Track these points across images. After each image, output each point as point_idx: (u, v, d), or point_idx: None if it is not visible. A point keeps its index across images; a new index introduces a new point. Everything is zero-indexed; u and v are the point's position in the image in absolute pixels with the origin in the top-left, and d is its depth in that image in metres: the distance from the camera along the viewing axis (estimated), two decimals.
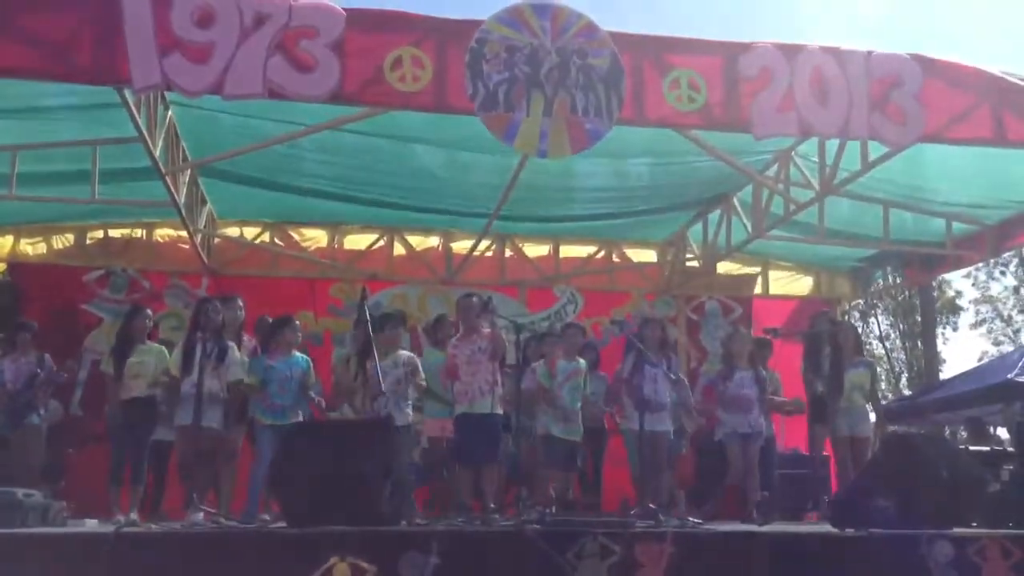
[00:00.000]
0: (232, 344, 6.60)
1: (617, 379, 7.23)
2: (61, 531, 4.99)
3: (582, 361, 7.34)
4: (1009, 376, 10.92)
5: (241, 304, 7.11)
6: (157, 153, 6.82)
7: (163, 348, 6.93)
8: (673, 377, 7.10)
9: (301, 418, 6.78)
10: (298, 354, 6.93)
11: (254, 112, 6.76)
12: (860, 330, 27.47)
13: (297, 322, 7.10)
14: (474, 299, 6.71)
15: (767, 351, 8.01)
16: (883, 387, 27.79)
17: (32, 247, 9.32)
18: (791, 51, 6.07)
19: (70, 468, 7.94)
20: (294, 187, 8.63)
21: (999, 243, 9.15)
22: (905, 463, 5.17)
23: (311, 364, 6.96)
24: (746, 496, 7.10)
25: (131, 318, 7.01)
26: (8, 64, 5.36)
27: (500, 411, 6.53)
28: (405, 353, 6.76)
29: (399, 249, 10.01)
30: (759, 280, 10.80)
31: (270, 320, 7.27)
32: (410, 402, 6.66)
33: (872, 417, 7.50)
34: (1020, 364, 11.22)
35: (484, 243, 9.78)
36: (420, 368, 6.71)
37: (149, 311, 7.24)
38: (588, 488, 8.00)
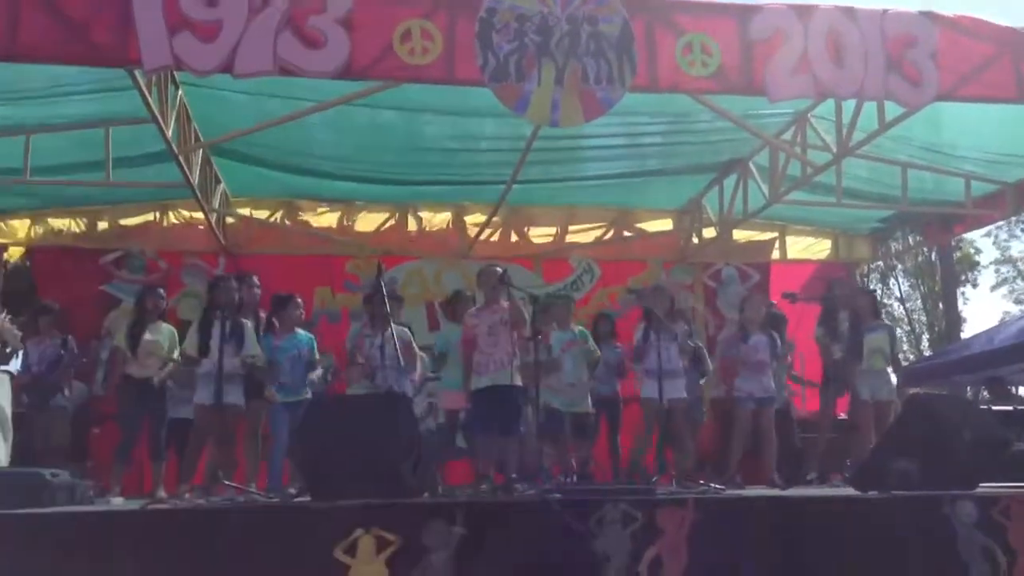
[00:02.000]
0: (247, 322, 6.64)
1: (631, 349, 7.27)
2: (89, 509, 5.06)
3: (578, 328, 7.35)
4: None
5: (257, 282, 7.17)
6: (169, 134, 6.82)
7: (173, 330, 6.99)
8: (691, 344, 7.10)
9: (309, 395, 6.90)
10: (301, 331, 7.08)
11: (264, 90, 6.75)
12: (880, 292, 27.55)
13: (299, 299, 7.17)
14: (497, 270, 6.72)
15: (782, 319, 8.00)
16: (904, 349, 27.67)
17: (49, 231, 9.36)
18: (804, 11, 5.98)
19: (95, 447, 8.04)
20: (306, 165, 8.62)
21: (1020, 201, 9.04)
22: (927, 425, 5.16)
23: (314, 341, 7.10)
24: (763, 461, 7.11)
25: (143, 297, 7.08)
26: (32, 41, 5.29)
27: (520, 383, 6.55)
28: (397, 327, 6.75)
29: (412, 225, 9.99)
30: (777, 245, 10.73)
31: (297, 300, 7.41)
32: (407, 376, 6.69)
33: (893, 380, 7.48)
34: None
35: (497, 217, 9.73)
36: (413, 342, 6.80)
37: (161, 290, 7.31)
38: (606, 456, 8.03)
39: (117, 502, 6.07)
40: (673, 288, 10.14)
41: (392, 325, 6.55)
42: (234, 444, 6.58)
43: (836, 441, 7.69)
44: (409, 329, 7.19)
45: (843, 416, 7.88)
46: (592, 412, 7.39)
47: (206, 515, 4.51)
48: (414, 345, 6.87)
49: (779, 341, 7.40)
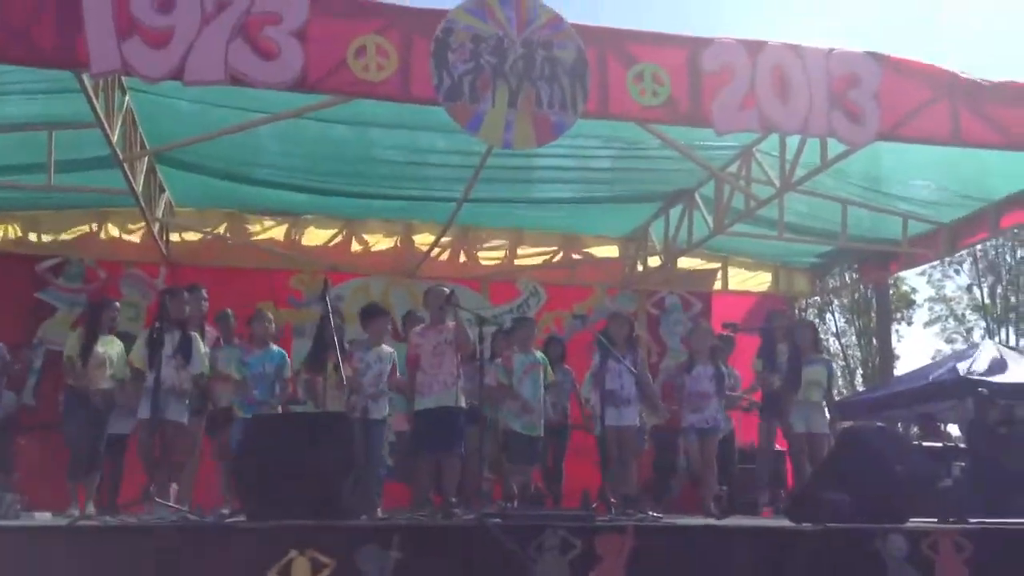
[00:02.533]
0: (196, 336, 6.52)
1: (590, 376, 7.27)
2: (14, 524, 4.89)
3: (538, 353, 7.36)
4: (961, 374, 11.14)
5: (205, 295, 7.07)
6: (115, 139, 6.68)
7: (120, 343, 6.82)
8: (635, 372, 7.15)
9: (279, 411, 6.83)
10: (274, 347, 7.03)
11: (213, 99, 6.65)
12: (817, 327, 28.00)
13: (267, 313, 7.16)
14: (444, 290, 6.70)
15: (729, 347, 8.08)
16: (839, 384, 28.19)
17: None
18: (754, 47, 6.12)
19: (22, 460, 7.78)
20: (253, 176, 8.51)
21: (954, 241, 9.30)
22: (859, 457, 5.24)
23: (287, 358, 7.03)
24: (704, 491, 7.16)
25: (100, 309, 6.90)
26: None
27: (464, 404, 6.51)
28: (387, 348, 6.77)
29: (360, 242, 9.92)
30: (719, 276, 10.89)
31: (230, 313, 7.26)
32: (387, 397, 6.66)
33: (827, 414, 7.58)
34: (972, 362, 11.44)
35: (446, 237, 9.71)
36: (398, 364, 6.74)
37: (117, 303, 7.15)
38: (551, 482, 8.03)
39: (44, 517, 5.86)
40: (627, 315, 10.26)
41: (384, 346, 6.58)
42: (174, 461, 6.39)
43: (774, 472, 7.79)
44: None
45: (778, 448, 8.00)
46: (542, 437, 7.35)
47: (136, 533, 4.38)
48: (398, 369, 6.80)
49: (725, 371, 7.46)
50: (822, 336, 28.03)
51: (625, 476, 7.06)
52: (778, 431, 7.69)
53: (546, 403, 7.44)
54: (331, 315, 6.11)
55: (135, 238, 9.28)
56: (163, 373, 5.88)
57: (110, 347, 6.74)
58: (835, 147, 6.84)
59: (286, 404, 7.08)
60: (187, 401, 6.42)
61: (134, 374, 6.46)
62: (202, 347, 6.55)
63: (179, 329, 6.27)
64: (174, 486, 6.36)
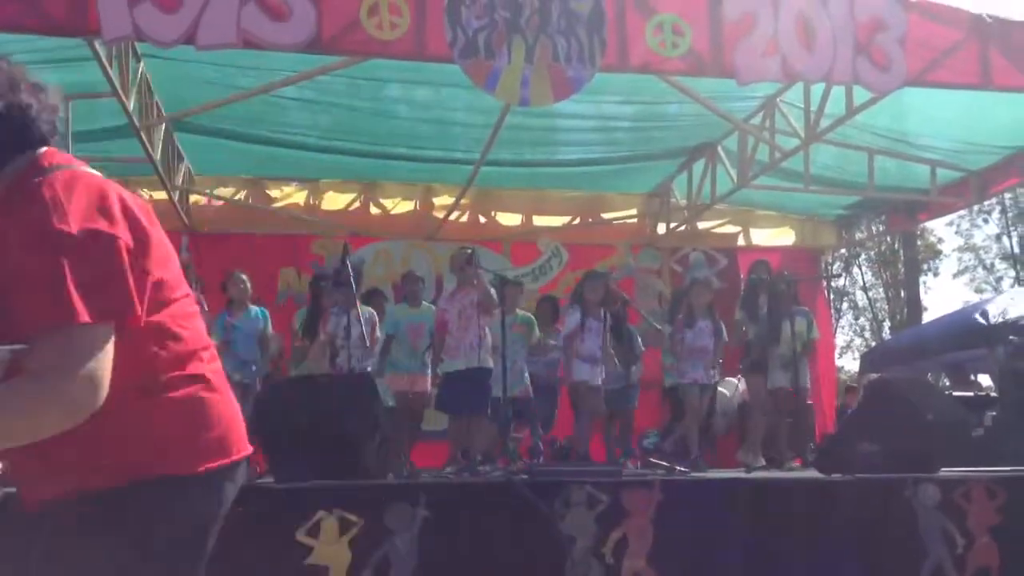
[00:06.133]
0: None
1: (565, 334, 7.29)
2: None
3: (521, 313, 7.34)
4: (991, 322, 10.96)
5: (245, 278, 7.13)
6: (131, 108, 6.66)
7: None
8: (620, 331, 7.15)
9: (266, 372, 6.92)
10: (254, 308, 7.12)
11: (228, 63, 6.61)
12: (843, 279, 27.78)
13: (240, 275, 7.16)
14: (466, 251, 6.67)
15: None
16: (867, 336, 28.04)
17: None
18: None
19: None
20: (272, 139, 8.45)
21: (983, 189, 9.14)
22: (890, 408, 5.19)
23: (267, 315, 7.13)
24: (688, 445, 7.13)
25: None
26: None
27: (491, 365, 6.50)
28: (367, 309, 6.78)
29: (379, 206, 9.88)
30: (744, 230, 10.76)
31: (239, 276, 7.39)
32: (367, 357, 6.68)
33: (807, 367, 7.46)
34: (1003, 310, 11.25)
35: (465, 199, 9.64)
36: (378, 326, 6.78)
37: None
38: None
39: None
40: (640, 273, 10.19)
41: (359, 305, 6.51)
42: None
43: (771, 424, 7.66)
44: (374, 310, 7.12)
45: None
46: (531, 397, 7.30)
47: None
48: (378, 328, 6.81)
49: (722, 326, 7.36)
50: (850, 290, 27.94)
51: (582, 433, 7.08)
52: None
53: (541, 363, 7.45)
54: (352, 279, 6.11)
55: (155, 207, 9.23)
56: None
57: None
58: (860, 95, 6.71)
59: (276, 363, 7.17)
60: None
61: None
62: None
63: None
64: None
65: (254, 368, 6.87)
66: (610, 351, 7.05)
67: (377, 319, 6.89)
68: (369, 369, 6.61)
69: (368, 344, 6.40)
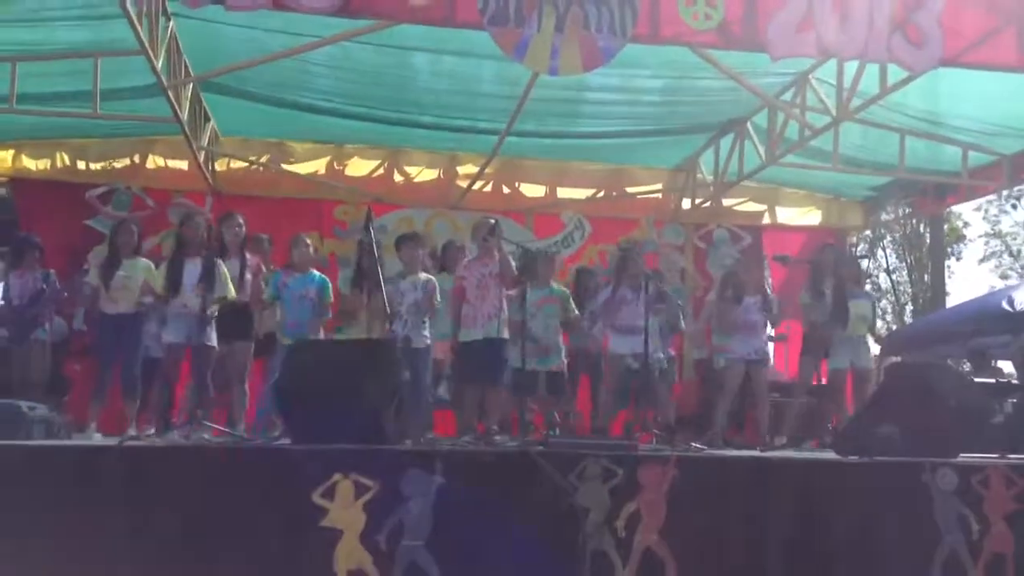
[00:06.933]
0: (219, 260, 6.46)
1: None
2: (66, 443, 5.01)
3: (555, 286, 7.28)
4: (1015, 308, 10.82)
5: (241, 221, 7.03)
6: (159, 67, 6.65)
7: (150, 264, 6.84)
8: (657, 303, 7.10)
9: (321, 336, 6.91)
10: (315, 272, 7.09)
11: (257, 24, 6.57)
12: (867, 262, 27.47)
13: (305, 238, 7.18)
14: (489, 221, 6.65)
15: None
16: (888, 320, 27.82)
17: (34, 163, 9.18)
18: None
19: (73, 383, 7.98)
20: (299, 103, 8.43)
21: (1016, 173, 8.98)
22: (911, 391, 5.15)
23: (328, 283, 7.09)
24: (757, 422, 7.16)
25: (116, 232, 6.94)
26: None
27: (507, 335, 6.50)
28: (424, 275, 6.75)
29: (403, 173, 9.85)
30: (770, 208, 10.66)
31: (264, 238, 7.38)
32: (427, 323, 6.65)
33: (873, 349, 7.51)
34: None
35: (489, 169, 9.59)
36: (437, 291, 6.69)
37: (135, 225, 7.14)
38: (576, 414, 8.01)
39: (96, 438, 6.02)
40: (664, 248, 10.13)
41: (421, 273, 6.59)
42: (205, 384, 6.44)
43: (810, 406, 7.67)
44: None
45: (824, 382, 7.87)
46: (564, 371, 7.27)
47: (183, 453, 4.47)
48: (437, 296, 6.73)
49: (774, 302, 7.38)
50: (873, 272, 27.66)
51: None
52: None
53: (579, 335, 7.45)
54: (374, 245, 6.09)
55: (182, 166, 9.30)
56: (186, 298, 6.06)
57: (134, 270, 6.73)
58: (894, 74, 6.59)
59: (329, 329, 7.16)
60: (211, 324, 6.38)
61: (155, 297, 6.52)
62: (224, 271, 6.49)
63: (199, 254, 6.27)
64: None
65: (307, 330, 6.82)
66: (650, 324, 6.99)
67: (436, 284, 6.76)
68: (427, 336, 6.60)
69: (422, 310, 6.49)
